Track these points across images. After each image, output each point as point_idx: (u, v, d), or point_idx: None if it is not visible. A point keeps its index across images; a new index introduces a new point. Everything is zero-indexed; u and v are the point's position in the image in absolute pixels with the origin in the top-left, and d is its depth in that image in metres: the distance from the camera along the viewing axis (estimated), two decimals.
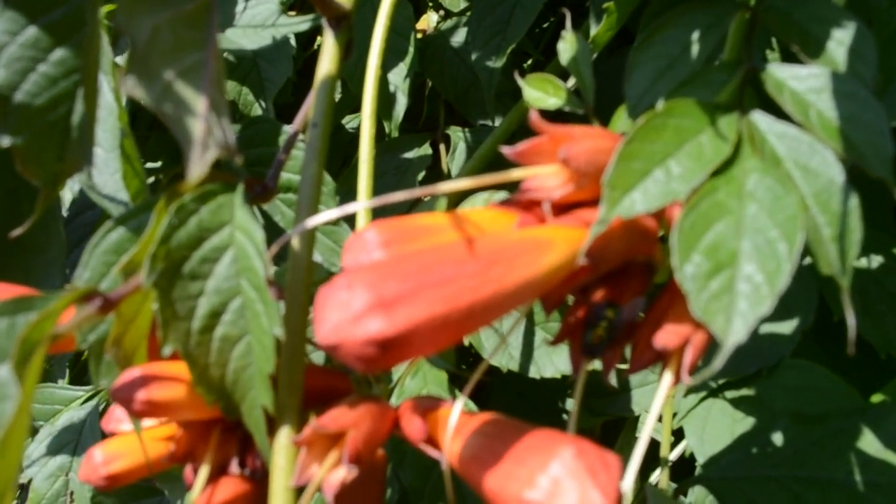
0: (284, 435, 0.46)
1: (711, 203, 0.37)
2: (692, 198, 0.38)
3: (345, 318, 0.32)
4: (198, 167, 0.33)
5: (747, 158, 0.39)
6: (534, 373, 0.75)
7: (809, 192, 0.39)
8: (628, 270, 0.43)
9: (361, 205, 0.37)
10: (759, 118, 0.41)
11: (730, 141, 0.40)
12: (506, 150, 0.40)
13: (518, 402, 0.96)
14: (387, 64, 0.99)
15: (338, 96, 1.09)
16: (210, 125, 0.36)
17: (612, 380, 0.88)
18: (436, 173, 0.99)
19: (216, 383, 0.45)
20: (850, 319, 0.38)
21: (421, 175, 0.96)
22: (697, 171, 0.38)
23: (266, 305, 0.44)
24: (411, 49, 0.98)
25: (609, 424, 0.95)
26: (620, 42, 0.85)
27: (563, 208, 0.40)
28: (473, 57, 0.93)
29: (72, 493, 0.94)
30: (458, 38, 1.02)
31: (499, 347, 0.53)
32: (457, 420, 0.42)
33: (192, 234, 0.44)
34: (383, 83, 0.99)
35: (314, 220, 0.39)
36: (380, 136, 1.03)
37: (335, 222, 0.71)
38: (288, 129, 0.74)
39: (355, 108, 1.07)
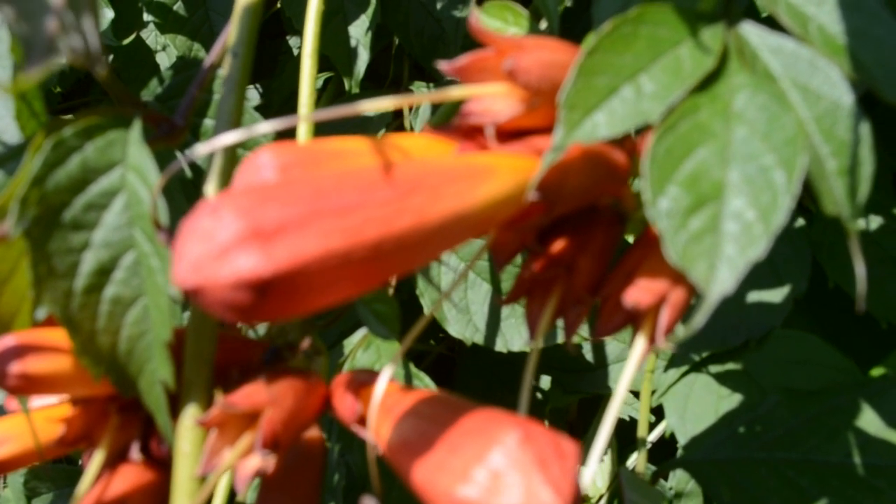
0: (190, 415, 0.39)
1: (692, 125, 0.30)
2: (669, 118, 0.31)
3: (208, 252, 0.24)
4: (35, 69, 0.26)
5: (735, 74, 0.32)
6: (500, 346, 0.68)
7: (810, 116, 0.33)
8: (593, 217, 0.36)
9: (268, 126, 0.30)
10: (750, 30, 0.34)
11: (713, 53, 0.33)
12: (443, 66, 0.33)
13: (487, 380, 0.90)
14: (348, 16, 0.92)
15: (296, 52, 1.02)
16: (65, 24, 0.29)
17: (588, 354, 0.81)
18: (399, 130, 0.92)
19: (106, 353, 0.38)
20: (860, 270, 0.31)
21: (381, 133, 0.88)
22: (674, 87, 0.31)
23: (162, 260, 0.37)
24: (373, 0, 0.91)
25: (585, 403, 0.89)
26: None
27: (512, 135, 0.33)
28: (439, 6, 0.85)
29: (5, 477, 0.88)
30: None
31: (439, 304, 0.46)
32: (387, 397, 0.35)
33: (73, 176, 0.37)
34: (344, 37, 0.92)
35: (208, 146, 0.31)
36: (340, 93, 0.96)
37: None
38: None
39: (320, 67, 0.99)
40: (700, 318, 0.28)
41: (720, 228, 0.29)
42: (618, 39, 0.32)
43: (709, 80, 0.32)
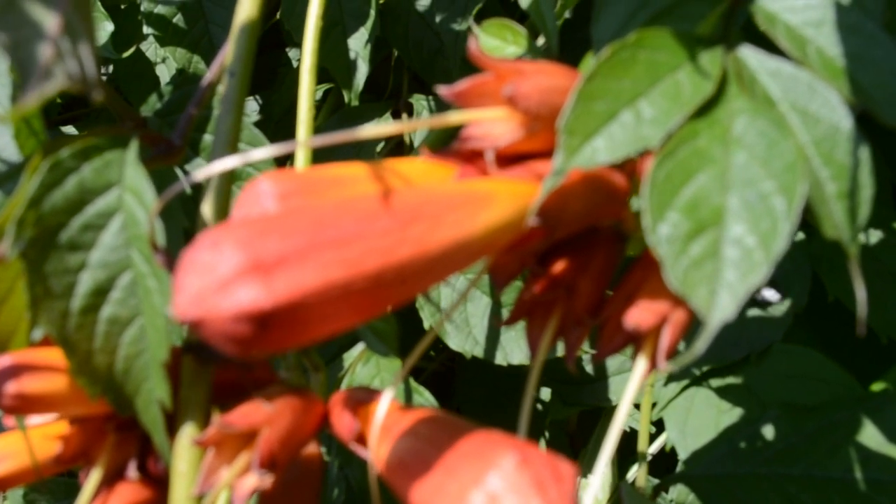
0: (187, 435, 0.39)
1: (691, 150, 0.30)
2: (668, 144, 0.30)
3: (208, 285, 0.24)
4: (32, 97, 0.26)
5: (734, 98, 0.32)
6: (500, 359, 0.68)
7: (809, 140, 0.33)
8: (593, 238, 0.36)
9: (265, 152, 0.30)
10: (749, 53, 0.34)
11: (712, 78, 0.33)
12: (442, 91, 0.33)
13: (488, 392, 0.89)
14: (347, 29, 0.92)
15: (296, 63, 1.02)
16: (61, 51, 0.28)
17: (588, 366, 0.81)
18: (398, 145, 0.92)
19: (103, 373, 0.38)
20: (860, 293, 0.31)
21: (380, 146, 0.88)
22: (673, 112, 0.31)
23: (159, 281, 0.37)
24: (373, 12, 0.91)
25: (585, 414, 0.88)
26: None
27: (511, 160, 0.33)
28: (438, 19, 0.85)
29: None
30: (425, 0, 0.95)
31: (441, 324, 0.46)
32: (386, 417, 0.35)
33: (70, 197, 0.37)
34: (343, 50, 0.92)
35: (205, 172, 0.31)
36: (339, 105, 0.96)
37: None
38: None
39: (319, 78, 0.99)
40: (701, 345, 0.28)
41: (720, 254, 0.29)
42: (616, 64, 0.32)
43: (708, 105, 0.32)
